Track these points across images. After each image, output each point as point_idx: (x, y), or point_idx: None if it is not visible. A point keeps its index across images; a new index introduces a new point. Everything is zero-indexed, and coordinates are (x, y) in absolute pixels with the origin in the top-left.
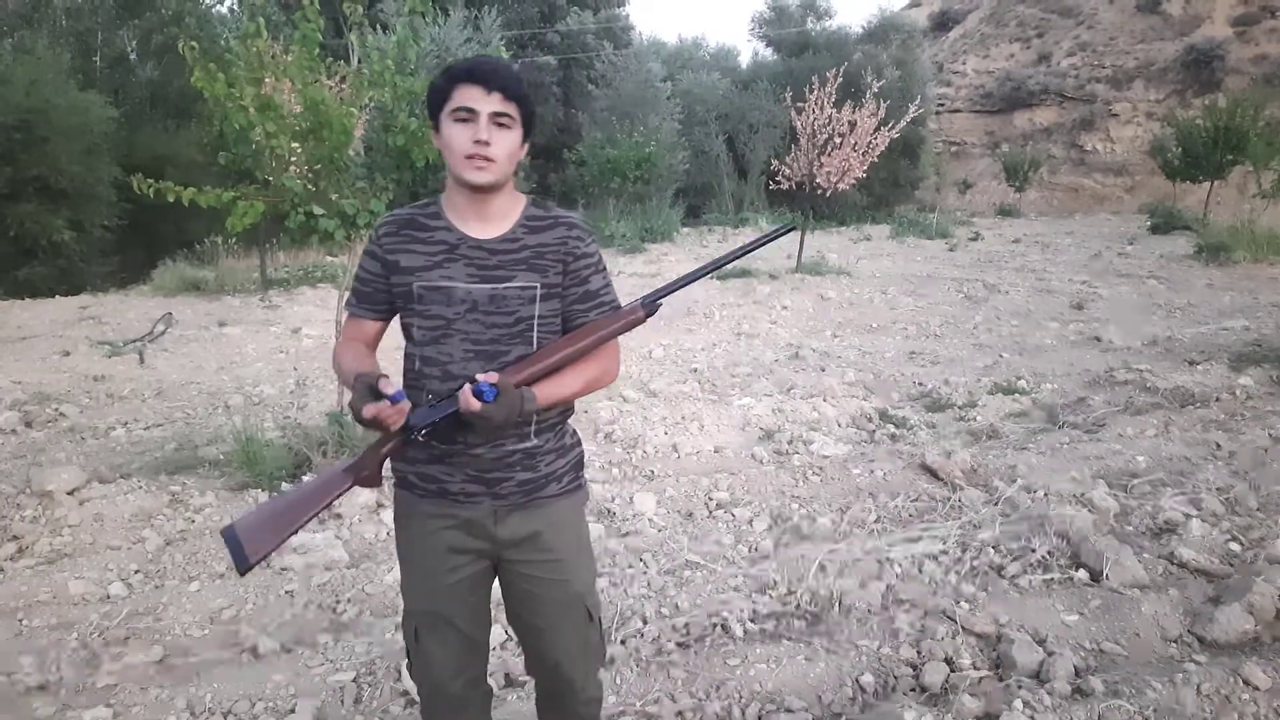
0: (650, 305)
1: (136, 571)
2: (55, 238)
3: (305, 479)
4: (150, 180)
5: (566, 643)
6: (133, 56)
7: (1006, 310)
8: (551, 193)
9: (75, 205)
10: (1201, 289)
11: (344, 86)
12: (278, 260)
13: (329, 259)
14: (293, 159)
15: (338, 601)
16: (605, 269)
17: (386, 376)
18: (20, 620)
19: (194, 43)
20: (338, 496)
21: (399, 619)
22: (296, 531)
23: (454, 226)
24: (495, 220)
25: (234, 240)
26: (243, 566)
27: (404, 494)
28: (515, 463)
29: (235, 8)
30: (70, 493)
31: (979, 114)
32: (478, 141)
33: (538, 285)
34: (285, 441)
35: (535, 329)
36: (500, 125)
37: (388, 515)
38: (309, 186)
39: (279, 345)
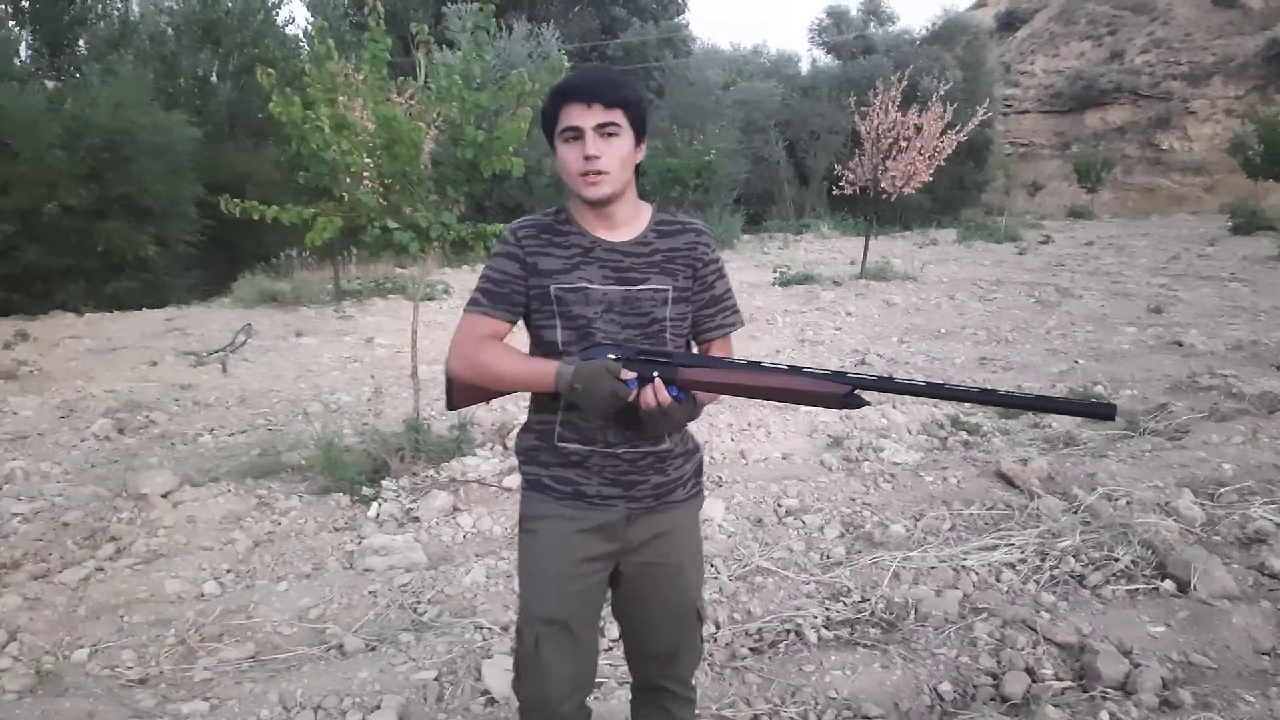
0: (854, 399)
1: (228, 571)
2: (141, 253)
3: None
4: (236, 200)
5: (675, 641)
6: (214, 79)
7: (1081, 314)
8: None
9: (160, 222)
10: None
11: (413, 102)
12: (349, 272)
13: (399, 270)
14: (366, 175)
15: (418, 602)
16: (727, 275)
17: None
18: (121, 616)
19: (270, 70)
20: (537, 388)
21: (478, 619)
22: (496, 397)
23: (586, 231)
24: (623, 226)
25: (308, 254)
26: (449, 406)
27: (536, 496)
28: (649, 465)
29: (309, 28)
30: (164, 495)
31: (1048, 114)
32: (587, 158)
33: (669, 288)
34: (364, 447)
35: (668, 330)
36: (608, 135)
37: (464, 519)
38: (383, 201)
39: (353, 354)
